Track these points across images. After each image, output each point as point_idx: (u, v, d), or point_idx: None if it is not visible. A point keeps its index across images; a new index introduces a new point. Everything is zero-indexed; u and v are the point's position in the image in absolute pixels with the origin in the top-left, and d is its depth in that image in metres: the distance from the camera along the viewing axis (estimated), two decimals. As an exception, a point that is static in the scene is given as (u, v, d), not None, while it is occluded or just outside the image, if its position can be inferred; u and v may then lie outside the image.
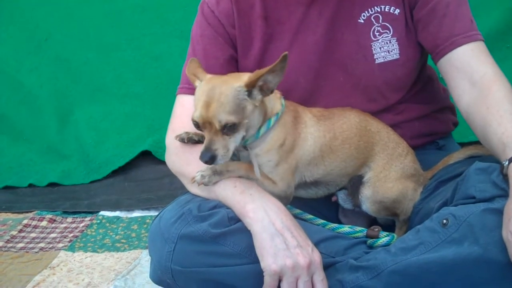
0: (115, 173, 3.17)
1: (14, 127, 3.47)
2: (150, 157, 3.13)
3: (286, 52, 1.47)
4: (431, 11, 1.75)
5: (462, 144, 1.86)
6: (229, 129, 1.48)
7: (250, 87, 1.51)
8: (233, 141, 1.51)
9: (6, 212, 2.99)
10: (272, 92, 1.56)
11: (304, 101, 1.77)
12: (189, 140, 1.72)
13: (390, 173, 1.74)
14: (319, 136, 1.68)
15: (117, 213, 2.84)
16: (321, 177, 1.72)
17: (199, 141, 1.72)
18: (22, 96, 3.45)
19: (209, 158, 1.48)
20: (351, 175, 1.76)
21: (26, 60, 3.44)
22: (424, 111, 1.93)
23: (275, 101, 1.63)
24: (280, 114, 1.63)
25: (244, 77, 1.53)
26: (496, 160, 1.52)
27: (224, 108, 1.48)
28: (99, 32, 3.33)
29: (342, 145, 1.71)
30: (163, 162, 1.91)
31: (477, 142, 1.85)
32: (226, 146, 1.49)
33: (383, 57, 1.78)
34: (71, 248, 2.51)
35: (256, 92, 1.53)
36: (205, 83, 1.55)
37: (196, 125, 1.53)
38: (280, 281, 1.49)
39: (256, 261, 1.51)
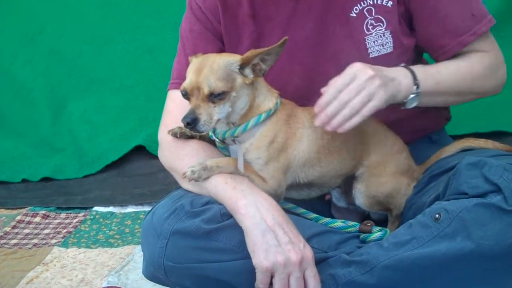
0: (108, 168, 3.14)
1: (7, 121, 3.45)
2: (144, 152, 3.11)
3: (286, 37, 1.52)
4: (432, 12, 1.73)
5: (455, 137, 1.86)
6: (216, 96, 1.50)
7: (244, 62, 1.55)
8: (218, 112, 1.52)
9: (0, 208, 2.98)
10: (263, 75, 1.59)
11: (299, 98, 1.75)
12: (181, 135, 1.71)
13: (385, 169, 1.74)
14: (317, 137, 1.67)
15: (110, 209, 2.83)
16: (316, 179, 1.71)
17: (192, 137, 1.71)
18: (15, 89, 3.45)
19: (191, 119, 1.48)
20: (346, 175, 1.75)
21: (20, 53, 3.44)
22: (418, 108, 1.91)
23: (269, 98, 1.63)
24: (272, 111, 1.62)
25: (239, 56, 1.58)
26: (486, 153, 1.51)
27: (215, 74, 1.51)
28: (93, 25, 3.33)
29: (340, 147, 1.70)
30: (156, 157, 1.90)
31: (469, 135, 1.85)
32: (210, 114, 1.50)
33: (377, 51, 1.76)
34: (65, 244, 2.49)
35: (248, 71, 1.57)
36: (200, 57, 1.59)
37: (185, 94, 1.54)
38: (272, 277, 1.48)
39: (248, 256, 1.50)
